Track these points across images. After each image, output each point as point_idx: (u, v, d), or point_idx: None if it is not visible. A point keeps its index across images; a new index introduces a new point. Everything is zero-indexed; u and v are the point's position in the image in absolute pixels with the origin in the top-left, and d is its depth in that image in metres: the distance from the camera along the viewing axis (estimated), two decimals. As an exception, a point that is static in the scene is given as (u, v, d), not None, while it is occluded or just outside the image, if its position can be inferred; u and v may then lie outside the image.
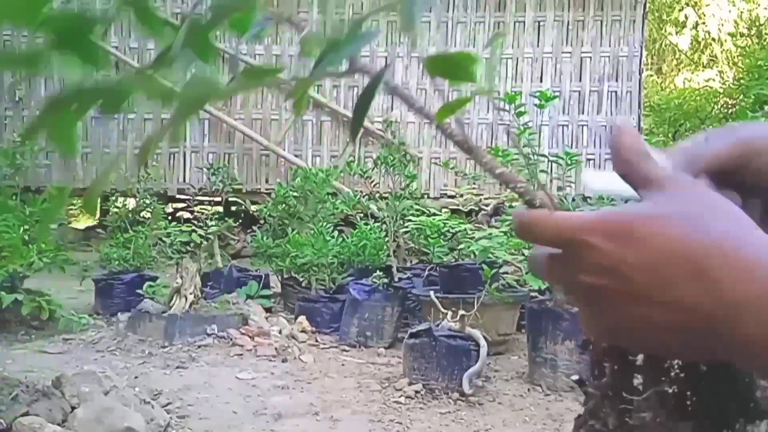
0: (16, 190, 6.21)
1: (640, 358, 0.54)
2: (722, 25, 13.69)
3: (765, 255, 0.46)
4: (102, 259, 6.57)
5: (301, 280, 6.18)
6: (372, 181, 7.32)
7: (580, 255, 0.49)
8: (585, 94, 9.69)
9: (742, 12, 13.78)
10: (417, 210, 6.65)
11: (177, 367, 4.55)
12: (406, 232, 6.52)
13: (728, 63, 13.55)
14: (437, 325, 4.43)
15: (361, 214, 7.17)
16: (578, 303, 0.52)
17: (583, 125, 9.69)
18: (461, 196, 8.63)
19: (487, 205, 8.24)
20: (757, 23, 13.39)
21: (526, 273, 4.92)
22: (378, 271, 5.63)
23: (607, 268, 0.48)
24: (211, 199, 10.03)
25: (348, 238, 6.51)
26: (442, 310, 4.56)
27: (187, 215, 9.36)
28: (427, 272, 6.07)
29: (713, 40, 14.04)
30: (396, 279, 5.96)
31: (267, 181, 9.54)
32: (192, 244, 6.64)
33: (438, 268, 5.79)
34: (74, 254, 6.70)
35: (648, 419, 0.53)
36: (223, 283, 6.26)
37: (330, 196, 7.33)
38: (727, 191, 0.52)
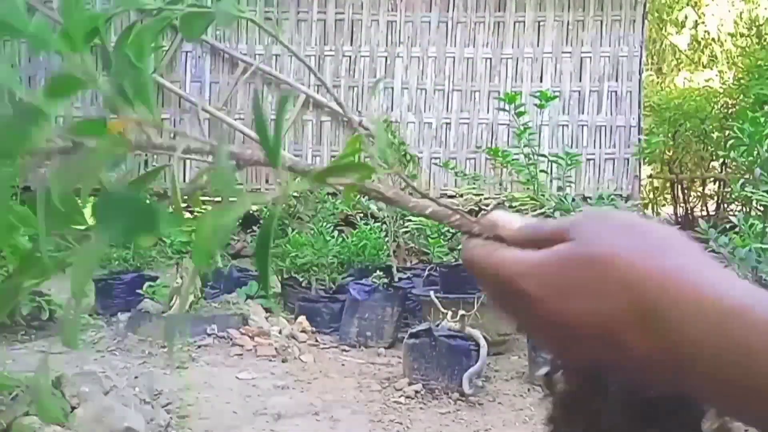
0: (15, 190, 6.21)
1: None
2: (722, 25, 13.69)
3: (719, 291, 0.42)
4: (102, 259, 6.57)
5: (301, 280, 6.18)
6: (372, 181, 7.32)
7: (519, 304, 0.48)
8: (585, 94, 9.68)
9: (741, 12, 13.78)
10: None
11: (177, 367, 4.55)
12: (406, 232, 6.52)
13: (728, 63, 13.54)
14: (437, 325, 4.43)
15: (361, 214, 7.17)
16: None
17: (583, 125, 9.68)
18: (461, 196, 8.63)
19: (487, 205, 8.24)
20: (757, 23, 13.39)
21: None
22: (378, 271, 5.63)
23: (542, 318, 0.47)
24: (211, 199, 10.03)
25: (348, 238, 6.51)
26: (442, 310, 4.56)
27: (187, 215, 9.35)
28: (427, 272, 6.07)
29: (713, 40, 14.04)
30: (396, 279, 5.96)
31: (267, 181, 9.54)
32: (192, 244, 6.63)
33: (438, 268, 5.79)
34: (74, 254, 6.69)
35: (618, 423, 0.52)
36: (223, 283, 6.26)
37: (330, 196, 7.34)
38: None
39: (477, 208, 8.39)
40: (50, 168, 0.46)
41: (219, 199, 0.45)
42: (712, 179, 11.74)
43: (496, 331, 5.09)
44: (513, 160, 5.36)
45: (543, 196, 4.96)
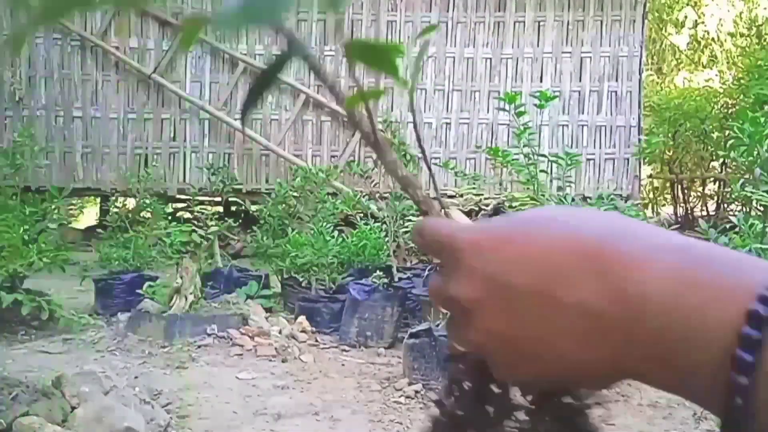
0: (16, 190, 6.21)
1: (494, 387, 0.52)
2: (722, 25, 13.69)
3: (658, 242, 0.43)
4: (102, 259, 6.57)
5: (301, 280, 6.18)
6: (372, 181, 7.32)
7: (458, 263, 0.47)
8: (585, 94, 9.69)
9: (741, 12, 13.77)
10: (417, 210, 6.63)
11: (177, 367, 4.55)
12: (406, 232, 6.52)
13: (728, 63, 13.54)
14: (437, 325, 4.43)
15: (361, 214, 7.17)
16: (454, 316, 0.49)
17: (583, 125, 9.69)
18: (461, 196, 8.63)
19: (487, 205, 8.24)
20: (757, 23, 13.39)
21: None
22: (378, 271, 5.63)
23: (487, 276, 0.45)
24: (211, 199, 10.03)
25: (348, 238, 6.51)
26: (443, 310, 4.56)
27: (187, 215, 9.35)
28: (427, 272, 6.07)
29: (713, 40, 14.04)
30: (396, 279, 5.96)
31: (267, 181, 9.53)
32: (192, 244, 6.64)
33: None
34: (74, 254, 6.70)
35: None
36: (223, 283, 6.26)
37: (330, 196, 7.33)
38: None
39: (477, 208, 8.39)
40: None
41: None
42: (712, 179, 11.75)
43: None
44: (513, 160, 5.36)
45: (543, 196, 4.96)
